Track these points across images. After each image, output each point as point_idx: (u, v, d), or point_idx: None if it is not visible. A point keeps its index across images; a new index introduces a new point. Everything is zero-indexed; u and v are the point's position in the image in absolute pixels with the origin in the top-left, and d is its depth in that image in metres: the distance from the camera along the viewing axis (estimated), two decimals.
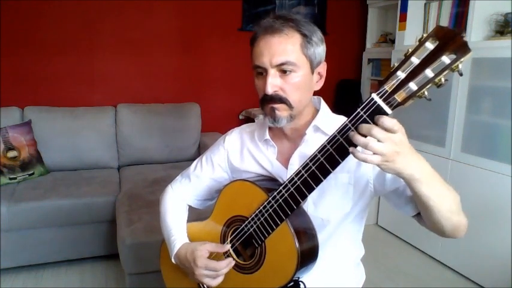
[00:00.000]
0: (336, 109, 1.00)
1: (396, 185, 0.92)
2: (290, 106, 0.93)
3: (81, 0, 2.96)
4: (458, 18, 2.49)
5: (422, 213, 0.86)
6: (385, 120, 0.69)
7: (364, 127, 0.71)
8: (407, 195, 0.91)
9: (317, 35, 0.94)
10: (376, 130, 0.69)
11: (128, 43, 3.15)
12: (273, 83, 0.90)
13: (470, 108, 2.30)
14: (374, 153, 0.70)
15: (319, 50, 0.94)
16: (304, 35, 0.91)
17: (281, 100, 0.92)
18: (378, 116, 0.70)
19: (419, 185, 0.76)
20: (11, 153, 2.54)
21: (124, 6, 3.07)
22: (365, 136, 0.71)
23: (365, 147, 0.71)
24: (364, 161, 0.71)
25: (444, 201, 0.80)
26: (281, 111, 0.93)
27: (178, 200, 1.18)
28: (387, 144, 0.70)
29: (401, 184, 0.91)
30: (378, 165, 0.72)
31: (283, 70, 0.90)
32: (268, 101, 0.93)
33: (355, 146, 0.73)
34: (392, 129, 0.69)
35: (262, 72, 0.93)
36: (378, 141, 0.70)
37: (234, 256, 1.01)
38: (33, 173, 2.61)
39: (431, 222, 0.84)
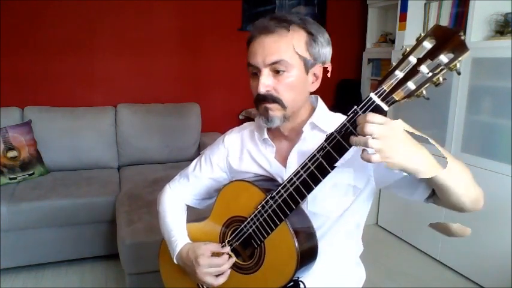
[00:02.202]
0: (336, 109, 1.00)
1: (399, 175, 0.89)
2: (283, 106, 0.92)
3: (81, 0, 2.96)
4: (458, 18, 2.49)
5: (439, 195, 0.85)
6: (372, 116, 0.69)
7: (359, 124, 0.71)
8: (414, 180, 0.89)
9: (322, 35, 0.93)
10: (369, 125, 0.69)
11: (128, 43, 3.15)
12: (266, 83, 0.91)
13: (470, 108, 2.30)
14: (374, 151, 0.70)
15: (316, 50, 0.93)
16: (303, 35, 0.91)
17: (274, 100, 0.92)
18: (363, 114, 0.71)
19: (427, 176, 0.75)
20: (11, 153, 2.54)
21: (124, 6, 3.07)
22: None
23: (359, 144, 0.71)
24: (368, 161, 0.71)
25: (458, 181, 0.79)
26: (274, 111, 0.93)
27: (177, 200, 1.18)
28: (384, 140, 0.69)
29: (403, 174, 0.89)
30: (381, 162, 0.71)
31: (276, 70, 0.90)
32: (261, 101, 0.93)
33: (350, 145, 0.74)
34: (382, 123, 0.69)
35: (256, 73, 0.93)
36: (374, 138, 0.69)
37: (233, 256, 1.01)
38: (33, 173, 2.61)
39: (451, 202, 0.83)
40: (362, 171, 0.95)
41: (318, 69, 0.96)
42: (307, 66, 0.93)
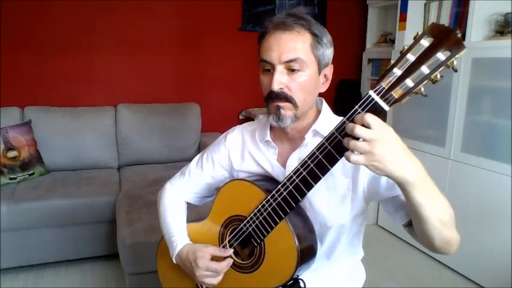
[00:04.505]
0: (336, 109, 1.00)
1: (390, 194, 0.91)
2: (295, 105, 0.92)
3: (81, 0, 2.97)
4: (458, 18, 2.49)
5: (413, 221, 0.84)
6: (367, 117, 0.68)
7: (348, 126, 0.70)
8: (399, 203, 0.90)
9: (327, 37, 0.93)
10: (358, 128, 0.68)
11: (128, 43, 3.15)
12: (280, 80, 0.89)
13: (470, 108, 2.30)
14: (360, 153, 0.69)
15: (328, 52, 0.94)
16: (314, 35, 0.90)
17: (286, 98, 0.91)
18: (359, 114, 0.70)
19: (413, 189, 0.72)
20: (11, 153, 2.54)
21: (124, 6, 3.08)
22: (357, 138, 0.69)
23: (347, 145, 0.70)
24: (348, 159, 0.70)
25: (437, 211, 0.76)
26: (286, 110, 0.92)
27: (178, 198, 1.18)
28: (372, 143, 0.68)
29: (395, 194, 0.90)
30: (366, 166, 0.70)
31: (291, 68, 0.89)
32: (273, 99, 0.91)
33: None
34: (373, 126, 0.68)
35: (270, 69, 0.92)
36: (364, 140, 0.68)
37: (233, 256, 1.01)
38: (33, 173, 2.61)
39: (422, 232, 0.81)
40: (360, 180, 0.95)
41: (328, 70, 0.97)
42: (321, 67, 0.93)
